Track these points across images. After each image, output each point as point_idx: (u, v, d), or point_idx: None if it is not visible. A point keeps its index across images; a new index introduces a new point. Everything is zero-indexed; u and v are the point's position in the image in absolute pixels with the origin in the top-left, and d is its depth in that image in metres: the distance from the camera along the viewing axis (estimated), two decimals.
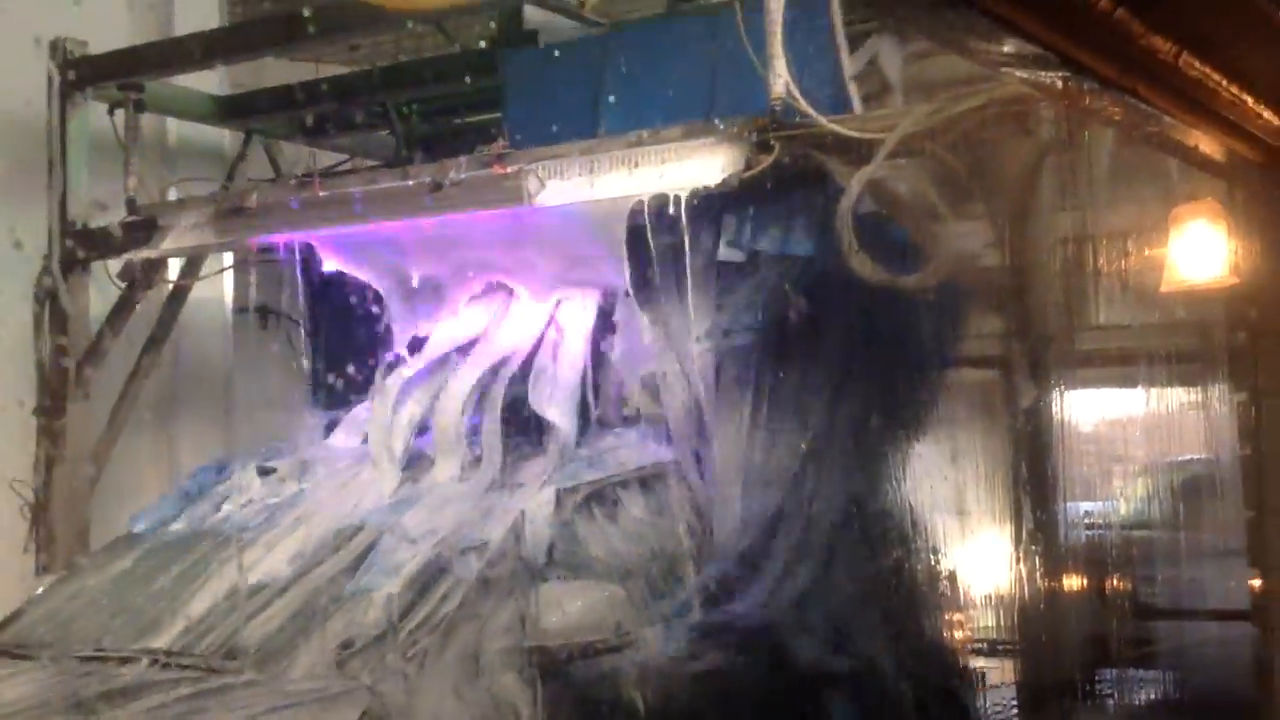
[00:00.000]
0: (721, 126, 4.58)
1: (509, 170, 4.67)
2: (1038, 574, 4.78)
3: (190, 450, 6.94)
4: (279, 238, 5.28)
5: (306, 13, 5.35)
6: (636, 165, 4.62)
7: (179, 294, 6.52)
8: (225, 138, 7.40)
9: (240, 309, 7.64)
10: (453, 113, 6.70)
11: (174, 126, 7.27)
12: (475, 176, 4.76)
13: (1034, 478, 4.88)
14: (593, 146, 4.72)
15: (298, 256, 5.33)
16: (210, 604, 4.02)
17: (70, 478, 6.01)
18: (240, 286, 7.62)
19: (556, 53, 5.48)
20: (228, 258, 6.45)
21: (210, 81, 7.11)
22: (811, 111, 4.45)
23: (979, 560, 5.56)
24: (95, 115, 6.07)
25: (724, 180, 4.54)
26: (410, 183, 4.90)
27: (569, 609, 3.62)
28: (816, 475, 5.00)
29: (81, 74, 5.94)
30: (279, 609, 3.88)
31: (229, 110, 6.79)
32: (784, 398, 5.19)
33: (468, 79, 6.10)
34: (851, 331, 5.05)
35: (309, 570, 4.09)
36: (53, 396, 6.03)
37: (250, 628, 3.82)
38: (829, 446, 5.02)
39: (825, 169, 4.49)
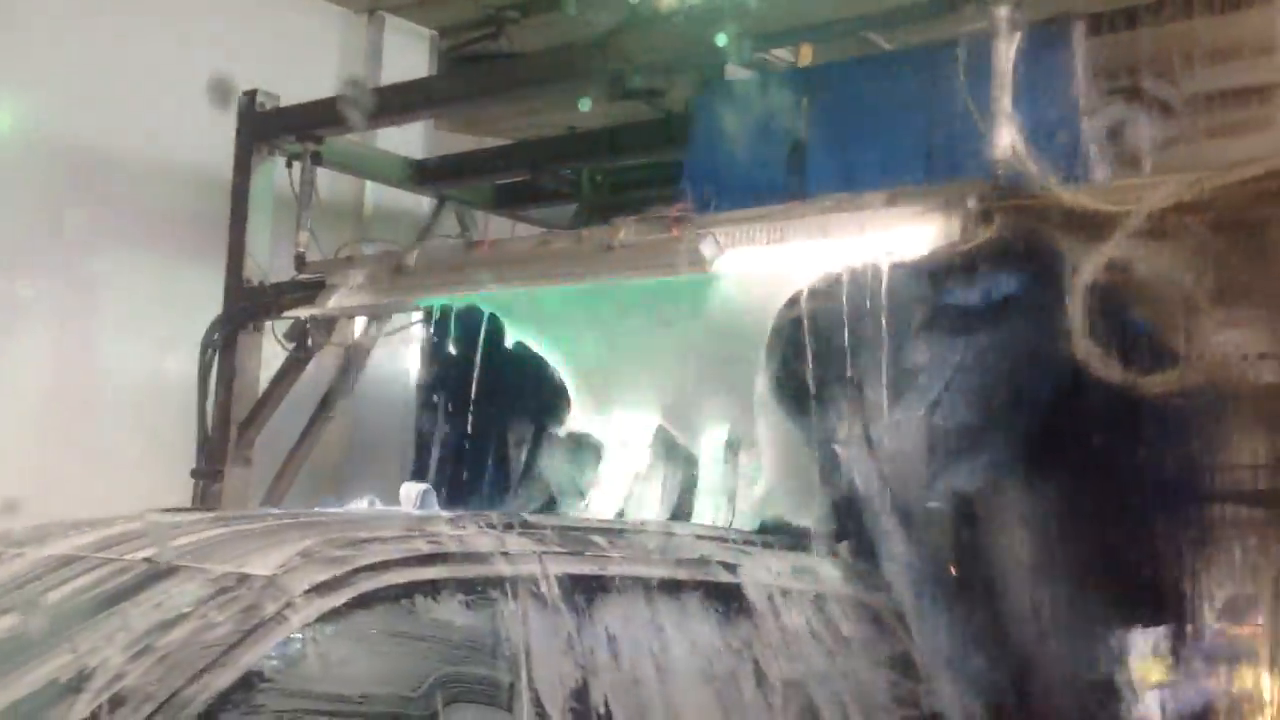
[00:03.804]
0: (933, 191, 3.94)
1: (684, 233, 4.14)
2: None
3: None
4: (440, 299, 4.87)
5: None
6: (830, 233, 4.01)
7: (355, 358, 6.25)
8: (423, 205, 7.17)
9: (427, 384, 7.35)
10: (647, 185, 6.23)
11: (370, 191, 7.12)
12: (648, 239, 4.25)
13: None
14: (781, 211, 4.14)
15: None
16: None
17: None
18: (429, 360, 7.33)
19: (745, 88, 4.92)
20: (401, 321, 6.09)
21: (415, 145, 6.94)
22: (1043, 177, 3.78)
23: None
24: (282, 174, 5.90)
25: (931, 254, 3.90)
26: (579, 244, 4.43)
27: None
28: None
29: (265, 127, 5.75)
30: None
31: (419, 174, 6.51)
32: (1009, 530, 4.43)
33: (662, 146, 5.66)
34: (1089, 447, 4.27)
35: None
36: (211, 458, 5.77)
37: None
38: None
39: (1055, 246, 3.79)
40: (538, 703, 2.84)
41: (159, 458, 6.03)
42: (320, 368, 6.10)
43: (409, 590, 2.78)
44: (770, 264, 4.10)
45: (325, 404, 6.13)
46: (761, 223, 4.13)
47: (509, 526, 3.14)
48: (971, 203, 3.87)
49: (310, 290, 5.47)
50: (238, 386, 5.75)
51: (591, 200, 6.25)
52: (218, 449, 5.76)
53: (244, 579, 2.66)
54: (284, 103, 5.89)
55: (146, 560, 2.86)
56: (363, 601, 2.69)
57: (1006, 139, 3.84)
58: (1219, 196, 3.65)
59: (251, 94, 5.84)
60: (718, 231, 4.14)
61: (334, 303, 5.26)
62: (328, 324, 5.58)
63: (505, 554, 3.00)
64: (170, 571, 2.78)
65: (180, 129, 6.15)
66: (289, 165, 5.77)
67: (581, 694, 2.93)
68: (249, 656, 2.48)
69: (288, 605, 2.58)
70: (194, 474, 5.80)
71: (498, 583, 2.93)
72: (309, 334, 5.60)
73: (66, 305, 6.02)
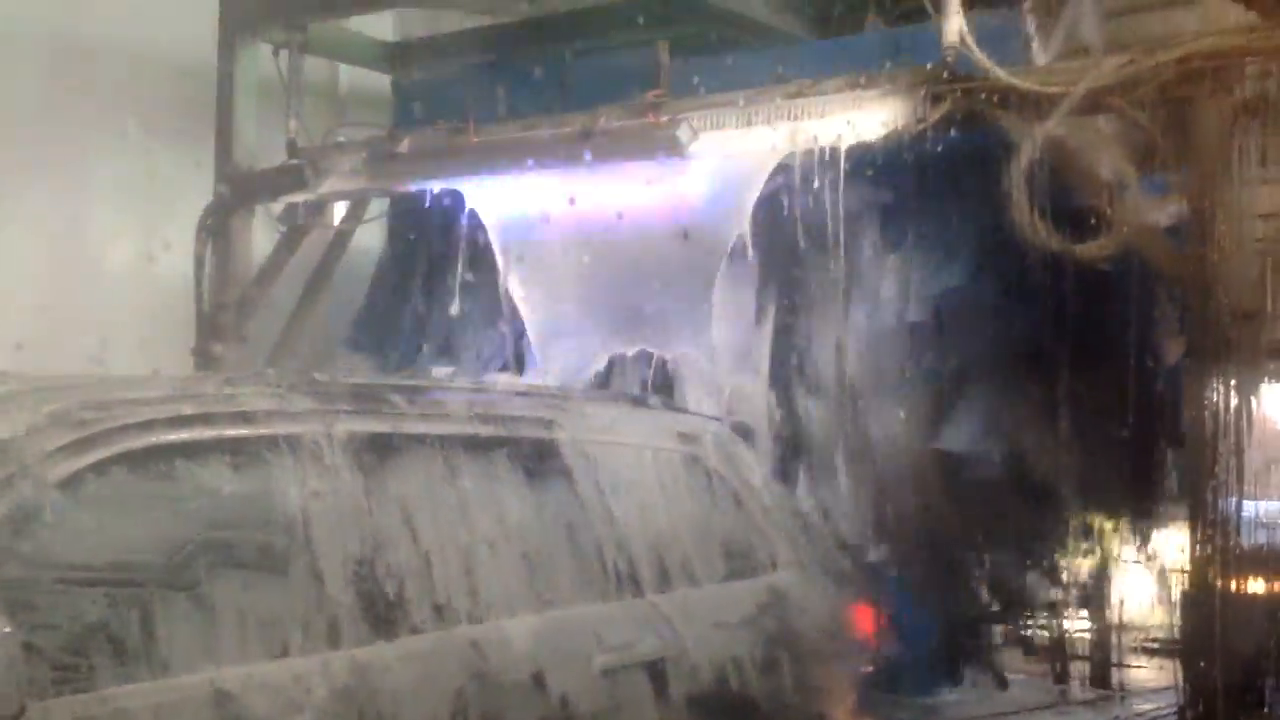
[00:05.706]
0: (891, 76, 4.30)
1: (662, 119, 4.48)
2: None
3: None
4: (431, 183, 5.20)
5: None
6: (796, 117, 4.37)
7: (340, 240, 6.53)
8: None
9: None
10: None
11: (345, 74, 7.32)
12: (627, 125, 4.59)
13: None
14: (751, 97, 4.49)
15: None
16: None
17: None
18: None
19: None
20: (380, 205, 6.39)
21: (385, 30, 7.14)
22: (988, 62, 4.14)
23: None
24: (265, 60, 6.11)
25: (889, 135, 4.28)
26: (562, 130, 4.75)
27: None
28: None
29: (247, 15, 5.95)
30: None
31: (395, 56, 6.74)
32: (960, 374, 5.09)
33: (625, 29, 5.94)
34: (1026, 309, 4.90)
35: None
36: (210, 336, 6.09)
37: None
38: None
39: (1000, 125, 4.18)
40: (314, 568, 2.69)
41: (158, 335, 6.29)
42: (308, 251, 6.40)
43: (166, 452, 2.60)
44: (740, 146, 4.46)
45: (313, 284, 6.45)
46: (732, 108, 4.47)
47: (294, 386, 2.93)
48: (925, 86, 4.24)
49: (300, 175, 5.74)
50: (232, 268, 6.05)
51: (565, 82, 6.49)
52: (216, 327, 6.08)
53: None
54: None
55: None
56: (113, 464, 2.51)
57: (956, 27, 4.19)
58: (1146, 77, 4.04)
59: None
60: (692, 117, 4.48)
61: (327, 187, 5.55)
62: (321, 208, 5.87)
63: (282, 413, 2.80)
64: None
65: (162, 18, 6.31)
66: (275, 54, 5.98)
67: (367, 558, 2.77)
68: None
69: (22, 468, 2.39)
70: (194, 352, 6.12)
71: (271, 443, 2.74)
72: (301, 217, 5.89)
73: (59, 187, 6.20)
